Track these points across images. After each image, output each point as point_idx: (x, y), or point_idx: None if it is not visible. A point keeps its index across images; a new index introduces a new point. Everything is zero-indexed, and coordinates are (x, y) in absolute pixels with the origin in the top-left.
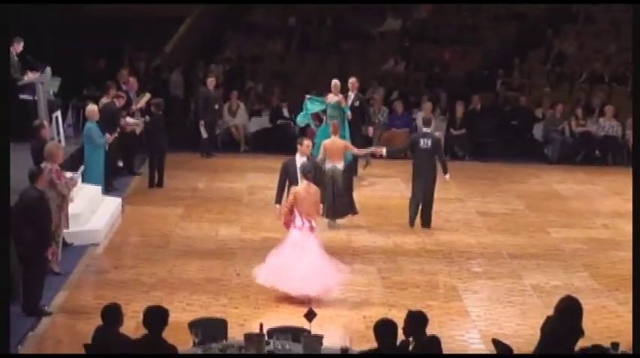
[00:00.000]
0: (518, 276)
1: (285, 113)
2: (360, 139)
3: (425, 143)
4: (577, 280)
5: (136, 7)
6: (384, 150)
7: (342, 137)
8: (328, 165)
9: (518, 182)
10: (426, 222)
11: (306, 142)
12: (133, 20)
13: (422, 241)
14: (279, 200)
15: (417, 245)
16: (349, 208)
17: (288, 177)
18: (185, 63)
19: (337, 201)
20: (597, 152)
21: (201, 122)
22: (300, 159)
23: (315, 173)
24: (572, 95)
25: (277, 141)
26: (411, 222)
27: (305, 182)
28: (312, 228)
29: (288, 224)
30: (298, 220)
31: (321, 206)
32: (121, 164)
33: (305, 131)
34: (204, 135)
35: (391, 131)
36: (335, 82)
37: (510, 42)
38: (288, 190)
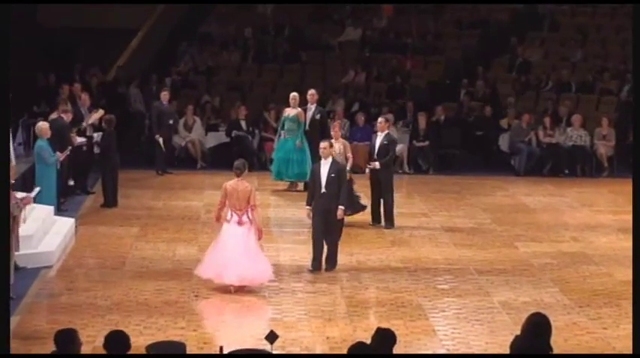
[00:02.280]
0: (486, 293)
1: (243, 126)
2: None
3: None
4: (547, 296)
5: (88, 19)
6: (376, 164)
7: (302, 152)
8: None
9: (484, 195)
10: (388, 221)
11: (322, 145)
12: (84, 33)
13: (386, 258)
14: (309, 202)
15: (382, 262)
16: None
17: (314, 177)
18: (140, 77)
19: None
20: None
21: (158, 137)
22: (325, 164)
23: (339, 176)
24: (539, 105)
25: (235, 156)
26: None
27: (235, 178)
28: (240, 222)
29: (217, 218)
30: (228, 213)
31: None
32: (72, 183)
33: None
34: (164, 149)
35: (352, 145)
36: (293, 94)
37: (473, 50)
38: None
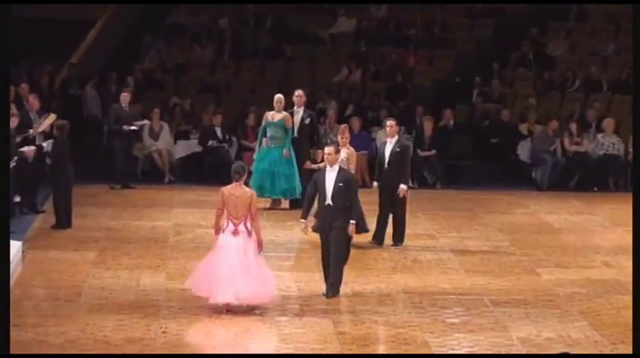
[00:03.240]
0: (504, 328)
1: (219, 133)
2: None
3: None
4: (574, 331)
5: (36, 7)
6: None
7: (290, 164)
8: None
9: (500, 213)
10: (398, 238)
11: (327, 150)
12: (33, 24)
13: (386, 287)
14: (304, 215)
15: (380, 291)
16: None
17: (317, 190)
18: (98, 75)
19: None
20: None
21: (127, 127)
22: (331, 171)
23: (348, 186)
24: (564, 107)
25: (210, 168)
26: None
27: (234, 183)
28: (235, 232)
29: (217, 230)
30: (224, 222)
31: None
32: (17, 199)
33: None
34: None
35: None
36: (278, 96)
37: (488, 43)
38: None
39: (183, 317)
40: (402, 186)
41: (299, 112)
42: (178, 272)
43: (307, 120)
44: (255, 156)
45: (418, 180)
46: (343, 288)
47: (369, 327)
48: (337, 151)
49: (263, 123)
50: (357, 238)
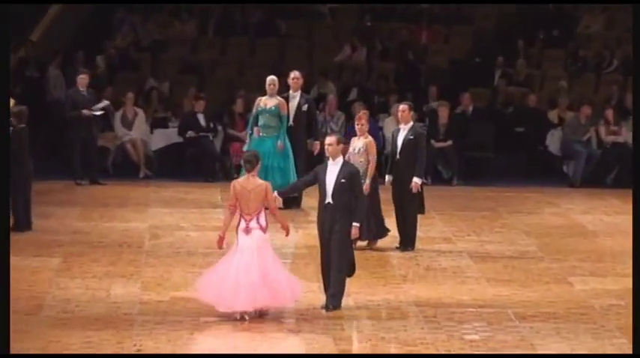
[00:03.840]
0: (531, 346)
1: (202, 121)
2: (305, 158)
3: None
4: (612, 348)
5: None
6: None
7: (285, 156)
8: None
9: (527, 213)
10: (407, 241)
11: (329, 140)
12: None
13: (395, 298)
14: (283, 194)
15: (388, 304)
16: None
17: (318, 183)
18: (62, 55)
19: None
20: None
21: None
22: (333, 165)
23: (352, 183)
24: (600, 91)
25: (191, 161)
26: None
27: (246, 175)
28: (247, 230)
29: (224, 231)
30: (237, 219)
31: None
32: None
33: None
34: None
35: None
36: (272, 78)
37: (512, 18)
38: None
39: (161, 332)
40: (416, 180)
41: (295, 97)
42: (155, 281)
43: (305, 107)
44: (244, 148)
45: (432, 175)
46: (345, 300)
47: (375, 345)
48: (339, 142)
49: (254, 110)
50: (360, 243)
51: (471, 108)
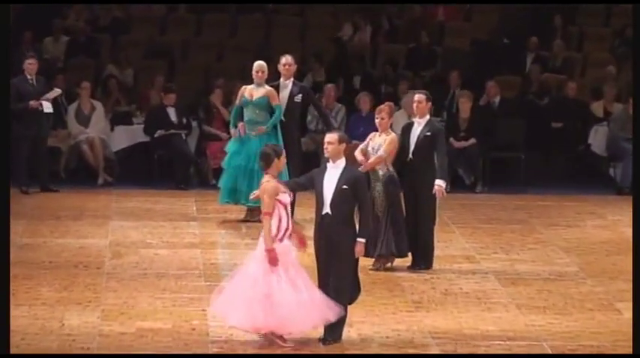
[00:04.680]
0: None
1: (172, 116)
2: (300, 160)
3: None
4: None
5: None
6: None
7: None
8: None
9: (565, 226)
10: (422, 259)
11: (329, 138)
12: None
13: (406, 329)
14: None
15: (398, 334)
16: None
17: (315, 189)
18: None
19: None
20: None
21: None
22: (333, 169)
23: (355, 191)
24: None
25: (160, 165)
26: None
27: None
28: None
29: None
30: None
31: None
32: None
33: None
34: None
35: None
36: (259, 64)
37: None
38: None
39: None
40: (439, 183)
41: (287, 86)
42: (117, 309)
43: (298, 97)
44: (227, 148)
45: (452, 180)
46: (347, 332)
47: None
48: (342, 140)
49: (237, 102)
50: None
51: (497, 100)
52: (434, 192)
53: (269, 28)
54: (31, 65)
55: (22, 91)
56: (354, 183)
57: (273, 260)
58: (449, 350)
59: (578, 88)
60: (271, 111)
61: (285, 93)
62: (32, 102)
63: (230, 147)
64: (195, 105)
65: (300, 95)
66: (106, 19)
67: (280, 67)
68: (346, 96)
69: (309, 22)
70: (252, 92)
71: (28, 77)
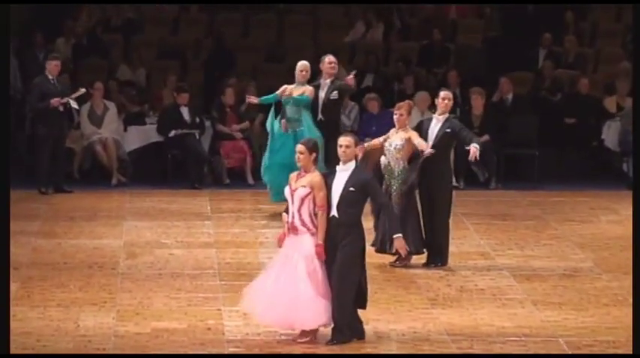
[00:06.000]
0: None
1: (186, 116)
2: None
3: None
4: None
5: None
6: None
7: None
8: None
9: (579, 221)
10: (437, 256)
11: (343, 140)
12: None
13: (423, 327)
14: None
15: (414, 332)
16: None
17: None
18: (17, 38)
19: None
20: None
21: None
22: (343, 171)
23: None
24: None
25: (174, 165)
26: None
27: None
28: (293, 229)
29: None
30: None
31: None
32: None
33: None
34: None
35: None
36: (303, 64)
37: None
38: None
39: None
40: (475, 145)
41: (326, 85)
42: (132, 310)
43: (333, 95)
44: (268, 145)
45: (465, 177)
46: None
47: None
48: (357, 143)
49: (278, 92)
50: (381, 257)
51: (510, 96)
52: (469, 157)
53: (281, 27)
54: (56, 67)
55: (45, 91)
56: (363, 186)
57: (320, 254)
58: (464, 347)
59: (590, 83)
60: (311, 108)
61: (322, 93)
62: (53, 101)
63: (271, 144)
64: (208, 105)
65: (336, 92)
66: (119, 20)
67: (325, 66)
68: (359, 95)
69: (321, 21)
70: (292, 91)
71: (50, 77)
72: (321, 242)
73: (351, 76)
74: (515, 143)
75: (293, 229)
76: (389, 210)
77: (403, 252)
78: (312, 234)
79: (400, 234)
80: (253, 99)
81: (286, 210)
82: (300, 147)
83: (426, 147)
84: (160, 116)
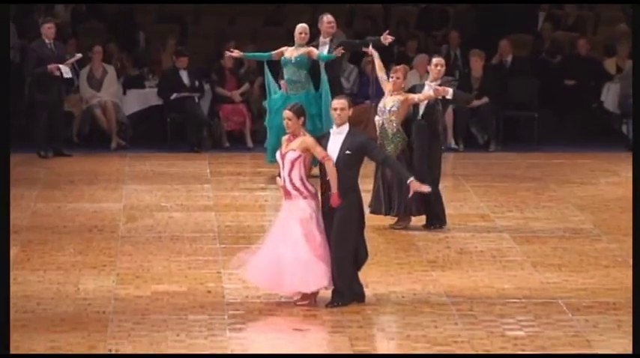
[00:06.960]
0: (586, 343)
1: (185, 79)
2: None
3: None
4: None
5: None
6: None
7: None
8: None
9: (579, 183)
10: (435, 218)
11: (336, 103)
12: None
13: (422, 289)
14: None
15: (414, 294)
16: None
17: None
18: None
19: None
20: None
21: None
22: (337, 134)
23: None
24: None
25: (173, 128)
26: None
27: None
28: (288, 195)
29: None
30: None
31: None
32: None
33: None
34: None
35: (363, 106)
36: (302, 26)
37: None
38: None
39: (141, 334)
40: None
41: (326, 44)
42: (132, 273)
43: (337, 52)
44: (266, 104)
45: (464, 139)
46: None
47: (400, 344)
48: (351, 106)
49: (273, 54)
50: (378, 222)
51: (509, 59)
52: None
53: None
54: (50, 29)
55: (42, 56)
56: (360, 148)
57: (335, 201)
58: (464, 308)
59: (590, 45)
60: (310, 69)
61: (324, 50)
62: (50, 67)
63: (271, 104)
64: (208, 68)
65: (340, 48)
66: None
67: (324, 25)
68: (357, 57)
69: None
70: (292, 52)
71: (47, 41)
72: (335, 191)
73: (387, 36)
74: (515, 105)
75: (286, 194)
76: (391, 162)
77: (425, 189)
78: (305, 198)
79: (412, 178)
80: (235, 54)
81: (279, 174)
82: (287, 113)
83: (442, 91)
84: (160, 80)
